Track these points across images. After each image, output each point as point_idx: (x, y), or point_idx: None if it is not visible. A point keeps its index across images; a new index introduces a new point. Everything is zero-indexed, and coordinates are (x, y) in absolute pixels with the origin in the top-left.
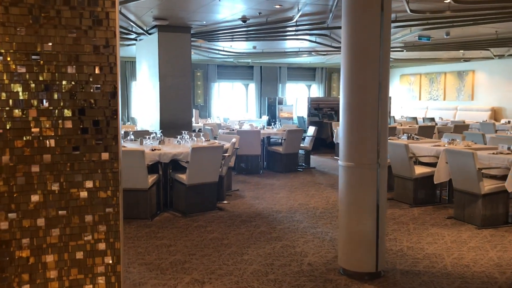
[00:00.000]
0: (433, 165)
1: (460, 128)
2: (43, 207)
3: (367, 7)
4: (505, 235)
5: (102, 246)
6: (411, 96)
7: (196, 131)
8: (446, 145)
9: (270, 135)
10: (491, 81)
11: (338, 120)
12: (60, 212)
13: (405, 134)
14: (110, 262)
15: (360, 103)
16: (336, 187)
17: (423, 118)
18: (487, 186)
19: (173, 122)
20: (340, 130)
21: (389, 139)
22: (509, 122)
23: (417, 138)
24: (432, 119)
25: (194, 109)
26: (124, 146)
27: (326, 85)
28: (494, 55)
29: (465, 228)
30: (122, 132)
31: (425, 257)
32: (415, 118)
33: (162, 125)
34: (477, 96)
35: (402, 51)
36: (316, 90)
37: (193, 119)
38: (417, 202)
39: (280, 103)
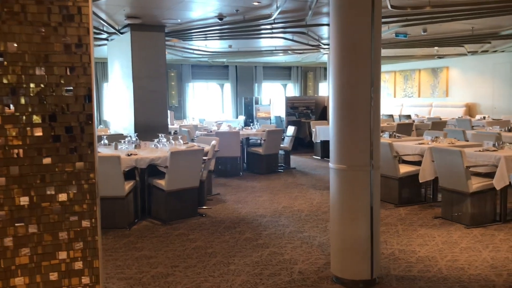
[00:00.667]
0: (417, 163)
1: (437, 125)
2: (10, 225)
3: (357, 1)
4: (495, 234)
5: (78, 265)
6: (386, 93)
7: (172, 133)
8: (430, 143)
9: (249, 136)
10: (465, 78)
11: (316, 119)
12: (30, 229)
13: (386, 132)
14: (88, 282)
15: (351, 101)
16: (318, 187)
17: (399, 116)
18: (475, 184)
19: (149, 125)
20: (330, 131)
21: None
22: (484, 118)
23: (399, 136)
24: (409, 116)
25: (169, 111)
26: (98, 152)
27: (302, 84)
28: (468, 52)
29: (454, 227)
30: None
31: (418, 260)
32: (391, 116)
33: (137, 128)
34: (452, 92)
35: None
36: (292, 89)
37: (169, 121)
38: (403, 202)
39: (257, 102)
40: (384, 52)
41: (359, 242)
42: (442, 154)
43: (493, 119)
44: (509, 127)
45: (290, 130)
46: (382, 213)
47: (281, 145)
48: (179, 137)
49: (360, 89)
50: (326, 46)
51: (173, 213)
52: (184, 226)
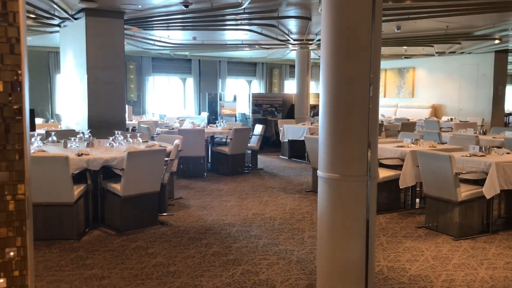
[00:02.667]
0: (396, 167)
1: (407, 126)
2: None
3: None
4: (486, 247)
5: None
6: None
7: (130, 130)
8: (410, 145)
9: (214, 134)
10: (432, 78)
11: (283, 117)
12: None
13: None
14: None
15: (347, 101)
16: (289, 191)
17: None
18: (464, 192)
19: (104, 120)
20: (320, 135)
21: None
22: (451, 119)
23: None
24: None
25: (126, 105)
26: (44, 151)
27: (267, 81)
28: (436, 52)
29: (442, 239)
30: (43, 132)
31: (411, 280)
32: None
33: (91, 124)
34: (418, 93)
35: None
36: (257, 86)
37: (126, 116)
38: (381, 209)
39: (220, 99)
40: None
41: (352, 264)
42: (428, 159)
43: (460, 121)
44: (484, 130)
45: (258, 128)
46: None
47: (248, 145)
48: (138, 135)
49: (357, 86)
50: (296, 42)
51: (129, 222)
52: (143, 237)
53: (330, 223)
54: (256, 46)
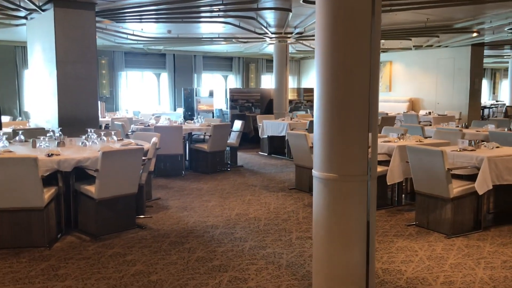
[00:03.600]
0: (382, 163)
1: (387, 120)
2: None
3: None
4: (480, 245)
5: None
6: None
7: (103, 127)
8: (396, 140)
9: (192, 131)
10: (409, 72)
11: (261, 113)
12: None
13: None
14: None
15: (345, 95)
16: (271, 189)
17: None
18: (456, 188)
19: (76, 118)
20: (315, 131)
21: None
22: (430, 113)
23: None
24: None
25: (99, 102)
26: (10, 151)
27: (244, 75)
28: (413, 46)
29: (434, 237)
30: (10, 130)
31: (409, 284)
32: None
33: (62, 121)
34: (395, 87)
35: None
36: (234, 81)
37: (99, 113)
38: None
39: (196, 94)
40: None
41: (352, 269)
42: (419, 154)
43: (439, 115)
44: (465, 124)
45: (237, 124)
46: None
47: (227, 141)
48: (113, 132)
49: (356, 79)
50: (274, 36)
51: (105, 226)
52: (120, 242)
53: (328, 226)
54: (233, 40)
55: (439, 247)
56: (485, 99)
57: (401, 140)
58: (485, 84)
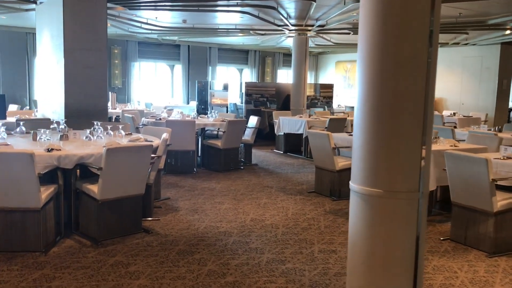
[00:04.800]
0: None
1: None
2: None
3: None
4: None
5: None
6: (347, 84)
7: (114, 119)
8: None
9: (206, 126)
10: None
11: (278, 109)
12: None
13: None
14: None
15: (395, 97)
16: (289, 192)
17: None
18: (500, 201)
19: (83, 109)
20: (355, 137)
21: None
22: (454, 114)
23: None
24: None
25: (110, 92)
26: (7, 144)
27: (260, 69)
28: (440, 43)
29: (473, 256)
30: (14, 120)
31: None
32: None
33: (68, 112)
34: None
35: (349, 33)
36: (249, 75)
37: (110, 104)
38: None
39: (210, 87)
40: (351, 38)
41: None
42: (459, 162)
43: (464, 116)
44: (499, 127)
45: (253, 120)
46: None
47: (242, 138)
48: (120, 127)
49: (410, 81)
50: (294, 28)
51: (108, 230)
52: (123, 250)
53: (368, 250)
54: (250, 32)
55: (481, 268)
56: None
57: (434, 144)
58: None
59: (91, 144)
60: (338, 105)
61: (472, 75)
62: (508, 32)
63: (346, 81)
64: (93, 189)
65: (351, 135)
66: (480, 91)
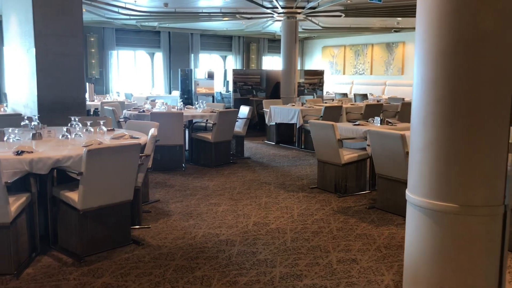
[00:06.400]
0: None
1: (409, 107)
2: None
3: None
4: None
5: None
6: (334, 70)
7: (92, 112)
8: None
9: (194, 117)
10: None
11: (267, 97)
12: None
13: (377, 117)
14: None
15: (470, 87)
16: (289, 188)
17: (355, 95)
18: None
19: (58, 102)
20: (414, 138)
21: (358, 123)
22: None
23: (391, 123)
24: (365, 96)
25: (88, 83)
26: None
27: (244, 56)
28: None
29: None
30: None
31: None
32: (345, 94)
33: (41, 107)
34: (408, 70)
35: (340, 16)
36: (233, 62)
37: (87, 96)
38: None
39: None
40: (341, 22)
41: None
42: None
43: None
44: None
45: (244, 110)
46: (396, 236)
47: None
48: (101, 122)
49: (492, 54)
50: (283, 11)
51: (92, 243)
52: (111, 268)
53: (436, 282)
54: (236, 16)
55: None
56: None
57: None
58: None
59: (69, 143)
60: (327, 92)
61: None
62: None
63: (334, 67)
64: (73, 197)
65: (356, 124)
66: None
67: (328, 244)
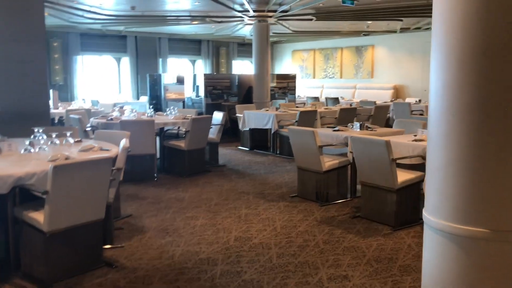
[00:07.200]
0: (418, 167)
1: (381, 110)
2: None
3: None
4: None
5: None
6: (304, 74)
7: (56, 121)
8: None
9: (166, 125)
10: (392, 57)
11: (239, 102)
12: None
13: (355, 122)
14: None
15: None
16: (268, 197)
17: (326, 99)
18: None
19: (19, 111)
20: (434, 149)
21: (337, 128)
22: (419, 101)
23: (370, 128)
24: (336, 100)
25: (51, 90)
26: None
27: (214, 60)
28: (400, 28)
29: None
30: None
31: None
32: (317, 98)
33: (1, 117)
34: (377, 73)
35: (311, 19)
36: (202, 66)
37: (51, 103)
38: (400, 223)
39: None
40: (310, 26)
41: None
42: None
43: None
44: None
45: (217, 116)
46: (389, 246)
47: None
48: (68, 133)
49: None
50: (254, 14)
51: (60, 269)
52: None
53: None
54: (206, 19)
55: None
56: None
57: None
58: None
59: (32, 158)
60: (298, 96)
61: None
62: None
63: (304, 71)
64: (38, 218)
65: (336, 130)
66: None
67: (316, 260)
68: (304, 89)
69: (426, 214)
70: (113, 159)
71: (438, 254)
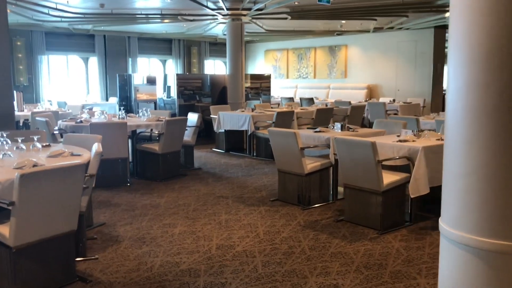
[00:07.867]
0: (402, 168)
1: (357, 110)
2: None
3: None
4: None
5: None
6: (278, 74)
7: (21, 124)
8: (414, 139)
9: (139, 127)
10: (366, 57)
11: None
12: None
13: (337, 123)
14: None
15: None
16: (248, 201)
17: (300, 99)
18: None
19: None
20: (451, 156)
21: (319, 129)
22: (393, 100)
23: (352, 129)
24: (311, 100)
25: (15, 91)
26: None
27: (185, 60)
28: (374, 28)
29: None
30: None
31: None
32: (291, 99)
33: None
34: (351, 73)
35: (286, 18)
36: (173, 66)
37: (15, 105)
38: (386, 227)
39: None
40: (284, 25)
41: None
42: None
43: (404, 103)
44: None
45: (192, 118)
46: (369, 249)
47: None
48: (35, 138)
49: None
50: (228, 12)
51: (30, 286)
52: None
53: None
54: (178, 17)
55: None
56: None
57: (420, 138)
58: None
59: None
60: (272, 96)
61: (407, 61)
62: (448, 14)
63: (277, 71)
64: (3, 231)
65: (318, 131)
66: (415, 76)
67: (303, 268)
68: (278, 90)
69: (444, 226)
70: (86, 165)
71: (459, 268)
